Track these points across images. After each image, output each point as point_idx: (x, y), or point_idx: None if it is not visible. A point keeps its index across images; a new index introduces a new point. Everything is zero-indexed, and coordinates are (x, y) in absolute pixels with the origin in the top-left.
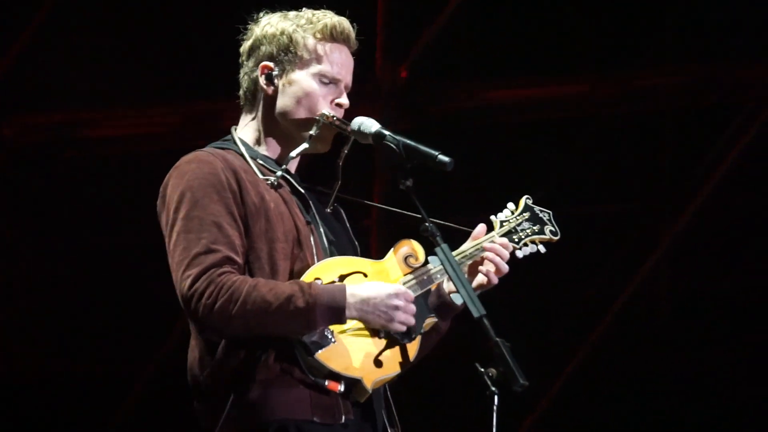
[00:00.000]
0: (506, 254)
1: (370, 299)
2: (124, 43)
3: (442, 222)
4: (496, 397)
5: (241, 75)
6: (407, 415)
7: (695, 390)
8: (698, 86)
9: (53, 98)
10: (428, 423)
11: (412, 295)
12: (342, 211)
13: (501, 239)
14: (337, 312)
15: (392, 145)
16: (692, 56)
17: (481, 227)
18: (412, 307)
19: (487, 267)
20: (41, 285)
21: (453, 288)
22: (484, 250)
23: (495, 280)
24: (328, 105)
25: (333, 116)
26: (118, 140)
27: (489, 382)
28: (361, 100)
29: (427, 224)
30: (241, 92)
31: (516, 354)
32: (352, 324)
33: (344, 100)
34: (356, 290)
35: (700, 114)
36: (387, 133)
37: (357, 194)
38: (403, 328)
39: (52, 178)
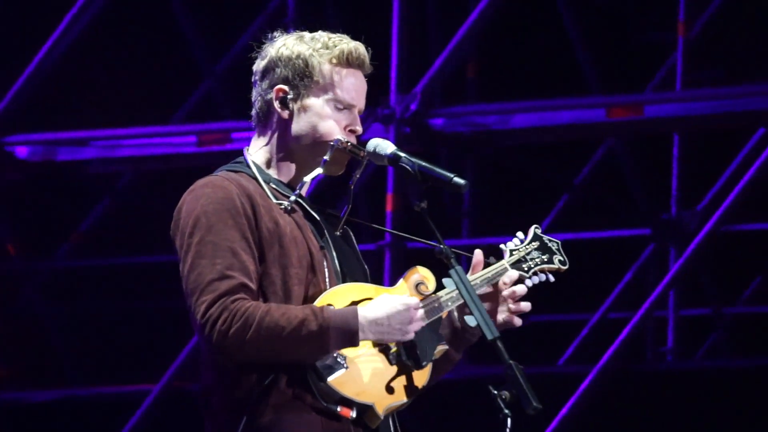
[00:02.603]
0: (523, 291)
1: (382, 319)
2: (136, 62)
3: (450, 248)
4: (509, 420)
5: (254, 95)
6: None
7: (702, 414)
8: (711, 110)
9: (65, 116)
10: None
11: (418, 302)
12: (351, 233)
13: (512, 272)
14: (350, 335)
15: (407, 166)
16: (704, 82)
17: (479, 256)
18: (420, 313)
19: (506, 312)
20: (51, 301)
21: (464, 320)
22: (490, 281)
23: (519, 322)
24: (342, 131)
25: (347, 142)
26: (133, 160)
27: (502, 405)
28: (374, 123)
29: (441, 246)
30: (253, 112)
31: (529, 377)
32: (364, 350)
33: (358, 127)
34: (367, 312)
35: (712, 138)
36: (402, 154)
37: (370, 215)
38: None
39: (65, 196)
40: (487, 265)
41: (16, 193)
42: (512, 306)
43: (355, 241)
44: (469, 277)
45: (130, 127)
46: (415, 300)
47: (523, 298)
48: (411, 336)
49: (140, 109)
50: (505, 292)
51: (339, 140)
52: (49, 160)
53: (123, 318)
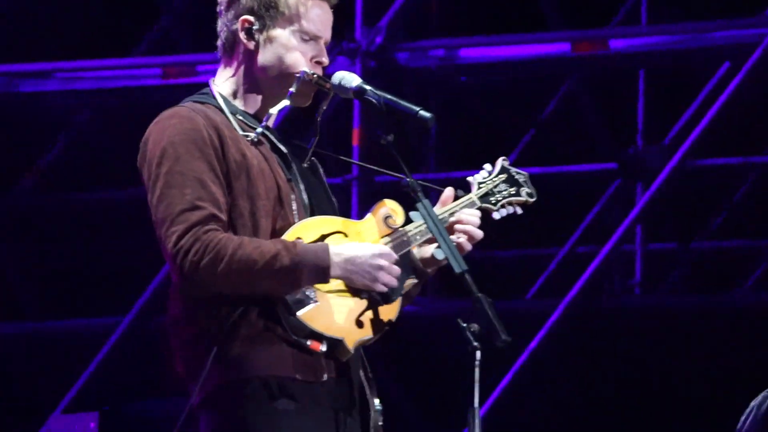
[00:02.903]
0: (477, 221)
1: (355, 258)
2: None
3: (417, 182)
4: (478, 353)
5: (219, 25)
6: (384, 374)
7: (668, 347)
8: (675, 46)
9: (27, 48)
10: (405, 381)
11: (395, 256)
12: (319, 165)
13: (470, 210)
14: (321, 271)
15: (373, 100)
16: (669, 16)
17: (449, 192)
18: (396, 269)
19: (458, 236)
20: (8, 237)
21: (425, 254)
22: (453, 215)
23: (469, 246)
24: (308, 62)
25: (313, 74)
26: (96, 92)
27: (471, 338)
28: (339, 56)
29: (408, 180)
30: (218, 43)
31: (497, 310)
32: (334, 284)
33: (324, 58)
34: (340, 249)
35: (677, 73)
36: (368, 87)
37: (336, 149)
38: (385, 289)
39: (26, 129)
40: (456, 198)
41: None
42: (459, 227)
43: (323, 174)
44: (436, 210)
45: (94, 59)
46: (391, 253)
47: (491, 231)
48: (379, 288)
49: (104, 41)
50: (453, 218)
51: (305, 72)
52: (9, 92)
53: (85, 254)
